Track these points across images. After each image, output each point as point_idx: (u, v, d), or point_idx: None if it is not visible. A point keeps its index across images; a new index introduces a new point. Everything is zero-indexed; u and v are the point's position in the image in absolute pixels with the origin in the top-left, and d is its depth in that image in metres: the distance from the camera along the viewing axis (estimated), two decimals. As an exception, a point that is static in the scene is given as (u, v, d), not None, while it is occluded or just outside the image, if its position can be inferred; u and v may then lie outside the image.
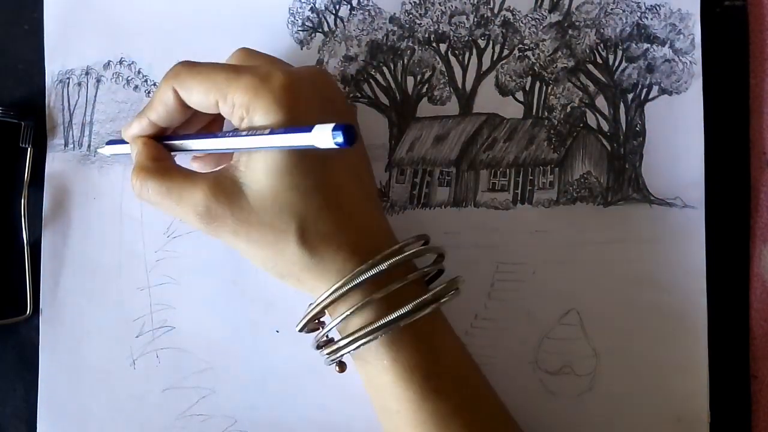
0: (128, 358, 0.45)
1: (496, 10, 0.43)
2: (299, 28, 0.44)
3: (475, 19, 0.43)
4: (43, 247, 0.45)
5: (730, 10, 0.42)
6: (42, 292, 0.45)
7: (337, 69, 0.44)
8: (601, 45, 0.43)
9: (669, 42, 0.42)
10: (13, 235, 0.46)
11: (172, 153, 0.39)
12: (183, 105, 0.37)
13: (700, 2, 0.42)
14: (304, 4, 0.44)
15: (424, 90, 0.44)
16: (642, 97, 0.42)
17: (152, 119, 0.38)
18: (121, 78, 0.46)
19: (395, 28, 0.44)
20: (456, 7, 0.43)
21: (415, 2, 0.44)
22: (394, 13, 0.44)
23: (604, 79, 0.43)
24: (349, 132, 0.29)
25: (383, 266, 0.34)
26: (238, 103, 0.34)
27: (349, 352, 0.35)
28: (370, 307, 0.35)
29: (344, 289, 0.34)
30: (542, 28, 0.43)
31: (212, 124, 0.41)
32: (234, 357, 0.44)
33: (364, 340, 0.34)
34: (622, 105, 0.43)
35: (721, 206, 0.42)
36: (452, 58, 0.44)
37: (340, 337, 0.36)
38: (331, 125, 0.30)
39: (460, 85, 0.43)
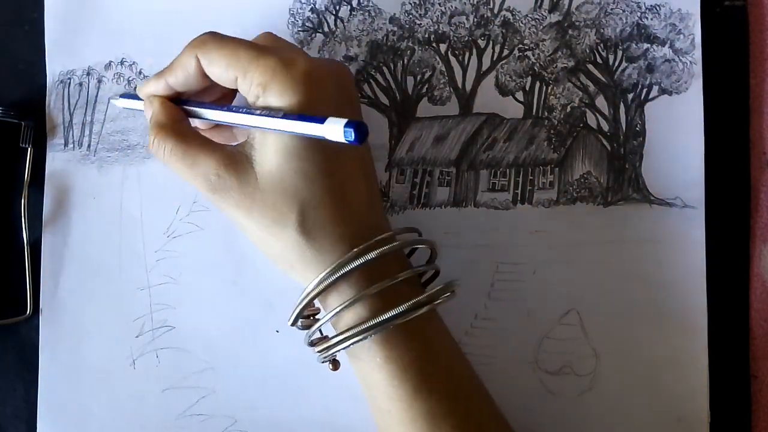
0: (128, 358, 0.45)
1: (496, 10, 0.43)
2: (299, 29, 0.44)
3: (475, 19, 0.43)
4: (43, 247, 0.45)
5: (730, 10, 0.42)
6: (42, 292, 0.45)
7: (337, 69, 0.44)
8: (601, 45, 0.43)
9: (669, 42, 0.42)
10: (13, 235, 0.46)
11: None
12: (202, 74, 0.37)
13: (700, 2, 0.42)
14: (304, 5, 0.44)
15: (424, 90, 0.44)
16: (642, 97, 0.42)
17: (170, 82, 0.38)
18: (122, 78, 0.46)
19: (395, 29, 0.44)
20: (456, 8, 0.43)
21: (415, 2, 0.44)
22: (394, 14, 0.44)
23: (604, 79, 0.43)
24: (361, 130, 0.30)
25: (372, 255, 0.34)
26: (257, 82, 0.35)
27: (341, 350, 0.35)
28: (363, 303, 0.35)
29: (332, 278, 0.34)
30: (542, 28, 0.43)
31: (223, 99, 0.41)
32: (234, 357, 0.44)
33: (355, 339, 0.34)
34: (622, 105, 0.43)
35: (721, 206, 0.42)
36: (452, 58, 0.44)
37: (332, 335, 0.36)
38: (344, 120, 0.30)
39: (460, 85, 0.43)
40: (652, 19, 0.42)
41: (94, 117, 0.46)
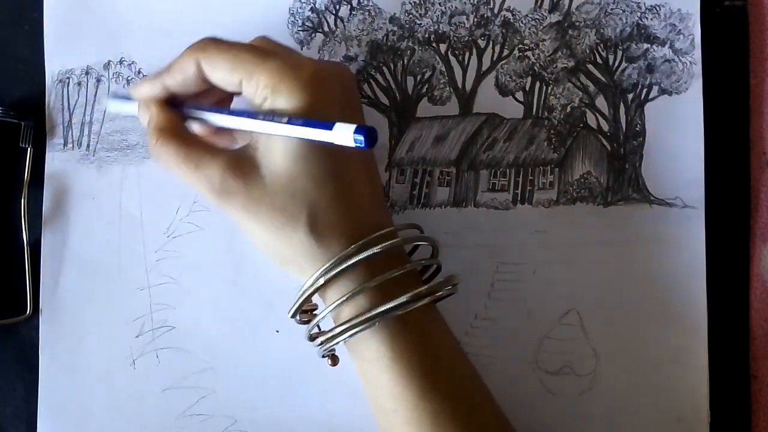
0: (128, 358, 0.45)
1: (496, 10, 0.43)
2: (299, 28, 0.44)
3: (475, 19, 0.43)
4: (43, 247, 0.45)
5: (730, 10, 0.42)
6: (42, 292, 0.45)
7: (337, 69, 0.44)
8: (601, 45, 0.43)
9: (669, 42, 0.42)
10: (13, 235, 0.46)
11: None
12: (202, 78, 0.37)
13: (700, 2, 0.42)
14: (304, 5, 0.44)
15: (424, 90, 0.44)
16: (642, 97, 0.42)
17: (167, 84, 0.38)
18: (121, 78, 0.46)
19: (395, 28, 0.44)
20: (456, 7, 0.43)
21: (415, 2, 0.44)
22: (394, 13, 0.44)
23: (604, 79, 0.43)
24: (371, 135, 0.30)
25: (375, 250, 0.34)
26: (263, 84, 0.35)
27: (341, 341, 0.35)
28: (363, 296, 0.35)
29: (335, 271, 0.35)
30: (542, 28, 0.43)
31: (219, 103, 0.41)
32: (234, 357, 0.44)
33: (356, 330, 0.34)
34: (622, 105, 0.43)
35: (721, 206, 0.42)
36: (452, 58, 0.44)
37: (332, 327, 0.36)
38: (353, 126, 0.30)
39: (460, 85, 0.43)
40: (652, 19, 0.42)
41: (93, 117, 0.46)
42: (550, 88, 0.43)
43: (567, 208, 0.42)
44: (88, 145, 0.46)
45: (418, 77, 0.44)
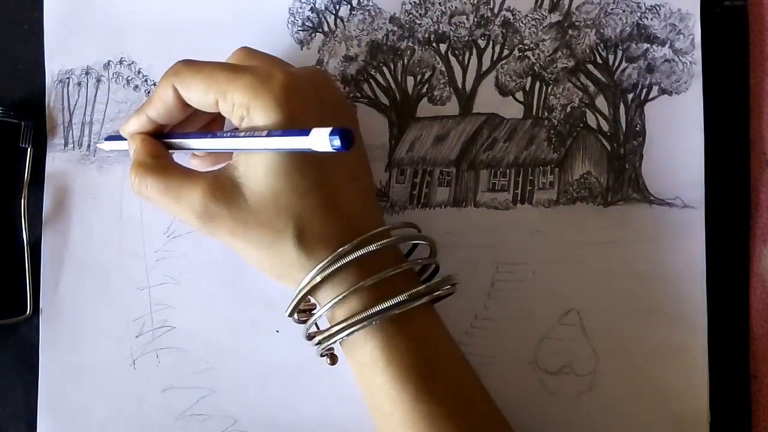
0: (128, 358, 0.45)
1: (496, 10, 0.43)
2: (299, 28, 0.44)
3: (475, 19, 0.43)
4: (43, 247, 0.45)
5: (730, 10, 0.42)
6: (42, 292, 0.45)
7: (337, 69, 0.44)
8: (601, 45, 0.43)
9: (669, 42, 0.42)
10: (13, 235, 0.46)
11: (171, 151, 0.39)
12: (182, 103, 0.37)
13: (700, 2, 0.42)
14: (304, 4, 0.44)
15: (424, 90, 0.44)
16: (642, 97, 0.42)
17: (151, 116, 0.38)
18: (121, 78, 0.46)
19: (395, 28, 0.44)
20: (456, 7, 0.43)
21: (415, 2, 0.44)
22: (394, 13, 0.44)
23: (604, 79, 0.43)
24: (347, 136, 0.29)
25: (371, 247, 0.34)
26: (238, 103, 0.34)
27: (339, 339, 0.35)
28: (359, 296, 0.35)
29: (330, 269, 0.34)
30: (542, 28, 0.43)
31: (212, 124, 0.41)
32: (234, 357, 0.44)
33: (353, 328, 0.34)
34: (622, 105, 0.43)
35: (721, 206, 0.42)
36: (452, 58, 0.44)
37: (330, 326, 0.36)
38: (329, 129, 0.29)
39: (460, 85, 0.43)
40: (652, 19, 0.42)
41: (93, 117, 0.46)
42: (550, 88, 0.43)
43: (567, 208, 0.42)
44: (88, 146, 0.46)
45: (418, 77, 0.44)
